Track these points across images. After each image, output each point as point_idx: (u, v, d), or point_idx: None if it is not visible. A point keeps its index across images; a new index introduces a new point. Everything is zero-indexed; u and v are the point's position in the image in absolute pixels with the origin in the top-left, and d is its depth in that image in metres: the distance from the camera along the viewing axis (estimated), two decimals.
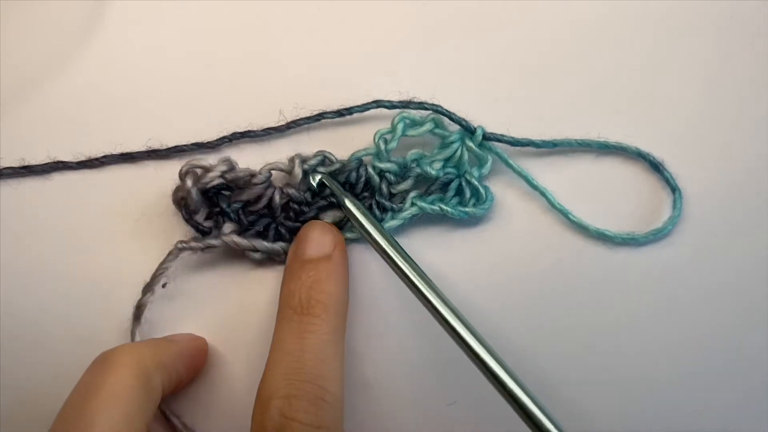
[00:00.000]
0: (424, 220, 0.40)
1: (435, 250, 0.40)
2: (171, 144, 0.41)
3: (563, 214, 0.40)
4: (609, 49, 0.42)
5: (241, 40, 0.44)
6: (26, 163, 0.41)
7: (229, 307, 0.40)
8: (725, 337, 0.38)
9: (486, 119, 0.41)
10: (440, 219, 0.40)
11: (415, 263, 0.36)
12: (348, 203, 0.39)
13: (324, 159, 0.40)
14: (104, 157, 0.41)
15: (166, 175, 0.39)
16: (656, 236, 0.39)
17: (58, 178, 0.41)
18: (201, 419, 0.39)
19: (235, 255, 0.40)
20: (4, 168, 0.40)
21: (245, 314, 0.40)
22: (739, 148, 0.40)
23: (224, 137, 0.41)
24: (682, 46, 0.42)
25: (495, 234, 0.40)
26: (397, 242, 0.37)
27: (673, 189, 0.39)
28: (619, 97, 0.42)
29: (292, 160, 0.39)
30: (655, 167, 0.40)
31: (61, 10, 0.45)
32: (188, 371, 0.38)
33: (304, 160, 0.39)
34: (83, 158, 0.41)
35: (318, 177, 0.39)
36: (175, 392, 0.38)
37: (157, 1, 0.45)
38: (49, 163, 0.41)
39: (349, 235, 0.40)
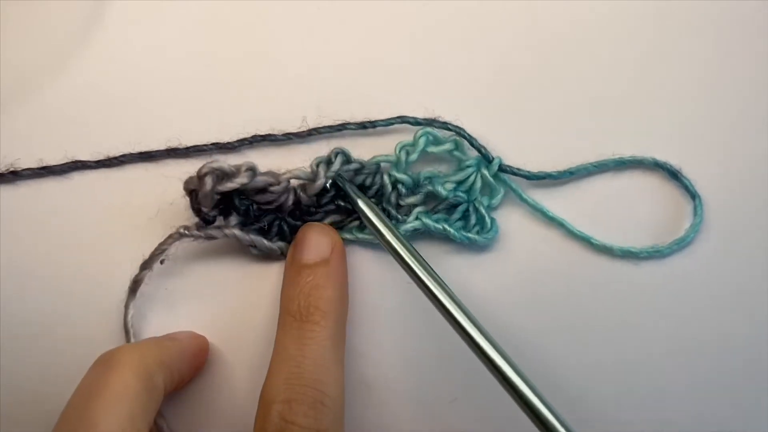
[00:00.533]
0: (434, 245, 0.40)
1: (448, 279, 0.38)
2: (188, 144, 0.41)
3: (585, 240, 0.40)
4: (624, 60, 0.43)
5: (244, 40, 0.44)
6: (44, 164, 0.41)
7: (231, 301, 0.39)
8: (754, 340, 0.37)
9: (503, 138, 0.42)
10: (454, 245, 0.40)
11: (430, 267, 0.36)
12: (362, 205, 0.39)
13: (345, 160, 0.39)
14: (123, 156, 0.41)
15: (185, 174, 0.39)
16: (680, 245, 0.39)
17: (77, 178, 0.41)
18: (202, 420, 0.38)
19: (240, 246, 0.39)
20: (24, 169, 0.40)
21: (247, 308, 0.39)
22: (757, 149, 0.41)
23: (244, 139, 0.41)
24: (692, 51, 0.43)
25: (516, 263, 0.40)
26: (411, 245, 0.37)
27: (693, 196, 0.39)
28: (633, 108, 0.42)
29: (316, 168, 0.39)
30: (674, 175, 0.40)
31: (62, 9, 0.45)
32: (189, 370, 0.37)
33: (328, 163, 0.39)
34: (102, 157, 0.41)
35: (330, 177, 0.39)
36: (176, 390, 0.37)
37: (158, 0, 0.45)
38: (67, 163, 0.41)
39: (347, 236, 0.40)
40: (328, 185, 0.39)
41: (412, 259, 0.36)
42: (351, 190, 0.39)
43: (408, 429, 0.37)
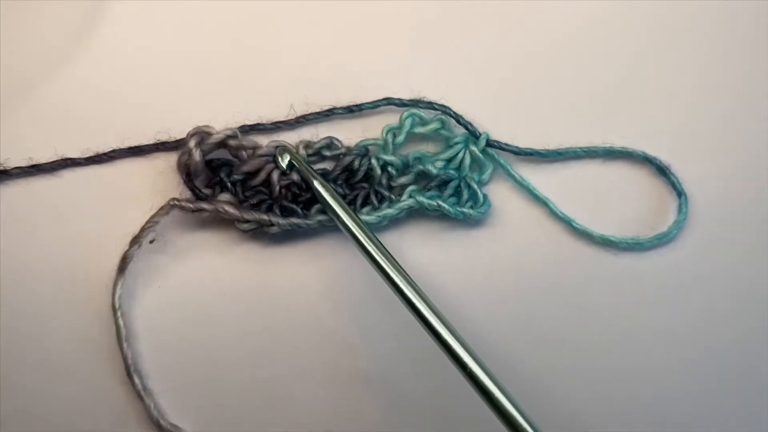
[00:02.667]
0: (420, 223, 0.40)
1: (432, 255, 0.40)
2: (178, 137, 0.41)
3: (566, 222, 0.40)
4: (618, 51, 0.43)
5: (244, 35, 0.44)
6: (34, 162, 0.40)
7: (220, 281, 0.40)
8: (730, 339, 0.38)
9: (492, 119, 0.41)
10: (438, 222, 0.40)
11: (386, 249, 0.36)
12: (317, 185, 0.38)
13: (330, 143, 0.40)
14: (113, 151, 0.41)
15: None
16: (661, 240, 0.39)
17: (68, 176, 0.41)
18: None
19: (229, 233, 0.40)
20: (13, 168, 0.40)
21: (235, 287, 0.40)
22: (746, 151, 0.41)
23: (234, 130, 0.40)
24: (687, 49, 0.42)
25: (498, 239, 0.40)
26: (367, 227, 0.37)
27: (679, 193, 0.39)
28: (626, 101, 0.42)
29: (281, 148, 0.40)
30: (662, 171, 0.40)
31: (53, 10, 0.44)
32: None
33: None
34: (91, 154, 0.41)
35: (287, 158, 0.39)
36: None
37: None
38: (57, 160, 0.40)
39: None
40: (285, 167, 0.39)
41: (366, 239, 0.36)
42: (308, 170, 0.39)
43: (406, 423, 0.38)
